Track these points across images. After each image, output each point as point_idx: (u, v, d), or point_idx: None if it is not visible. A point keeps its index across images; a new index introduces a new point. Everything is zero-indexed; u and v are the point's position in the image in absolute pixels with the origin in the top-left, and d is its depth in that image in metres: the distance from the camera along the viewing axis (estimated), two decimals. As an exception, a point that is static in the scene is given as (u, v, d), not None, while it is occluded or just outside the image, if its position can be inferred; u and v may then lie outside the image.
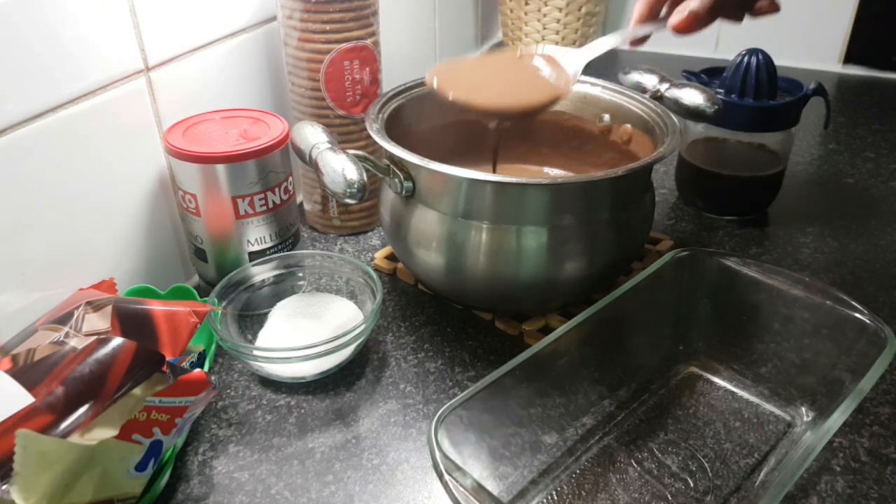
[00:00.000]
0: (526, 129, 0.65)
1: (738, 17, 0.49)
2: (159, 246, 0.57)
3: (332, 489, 0.43)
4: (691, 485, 0.42)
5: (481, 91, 0.52)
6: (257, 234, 0.56)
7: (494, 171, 0.59)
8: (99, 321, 0.40)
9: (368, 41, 0.60)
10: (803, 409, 0.47)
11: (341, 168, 0.45)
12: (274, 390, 0.50)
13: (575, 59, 0.52)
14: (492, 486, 0.40)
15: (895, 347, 0.41)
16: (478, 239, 0.50)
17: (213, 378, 0.51)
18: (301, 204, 0.70)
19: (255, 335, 0.53)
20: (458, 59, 0.53)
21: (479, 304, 0.57)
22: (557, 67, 0.53)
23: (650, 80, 0.58)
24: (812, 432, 0.44)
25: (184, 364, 0.49)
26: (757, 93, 0.63)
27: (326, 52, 0.58)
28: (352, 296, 0.55)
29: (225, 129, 0.55)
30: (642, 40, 0.50)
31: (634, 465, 0.44)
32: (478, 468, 0.40)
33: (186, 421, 0.40)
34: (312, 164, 0.47)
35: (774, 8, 0.49)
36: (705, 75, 0.67)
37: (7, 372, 0.37)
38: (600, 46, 0.51)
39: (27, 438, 0.33)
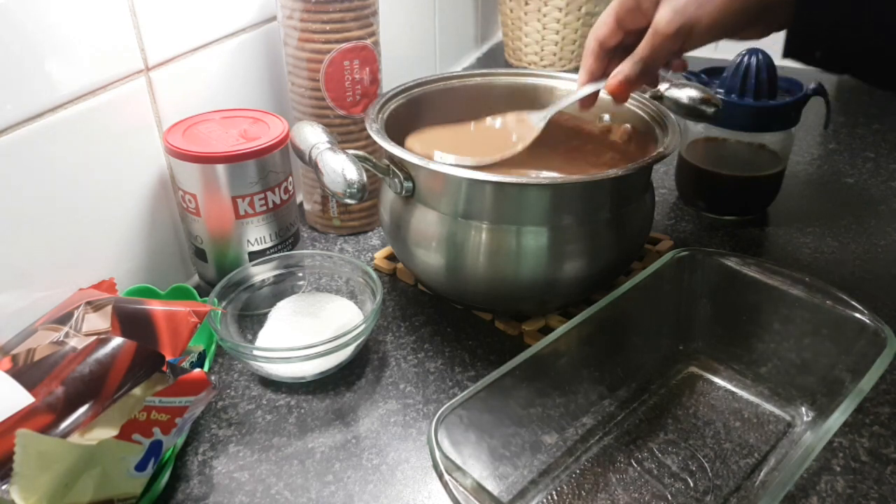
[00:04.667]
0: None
1: (655, 82, 0.53)
2: (159, 246, 0.57)
3: (332, 489, 0.43)
4: (691, 485, 0.42)
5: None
6: (257, 234, 0.56)
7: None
8: (99, 321, 0.40)
9: (368, 41, 0.60)
10: (803, 409, 0.47)
11: (341, 168, 0.45)
12: (274, 390, 0.50)
13: (538, 115, 0.56)
14: (492, 486, 0.40)
15: (895, 347, 0.41)
16: (478, 239, 0.50)
17: (213, 378, 0.51)
18: (301, 204, 0.70)
19: (255, 335, 0.53)
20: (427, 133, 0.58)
21: (479, 304, 0.57)
22: (524, 124, 0.57)
23: (650, 80, 0.58)
24: (812, 432, 0.44)
25: (184, 364, 0.49)
26: (757, 93, 0.63)
27: (326, 52, 0.58)
28: (352, 296, 0.55)
29: (225, 129, 0.55)
30: (592, 99, 0.54)
31: (634, 465, 0.44)
32: (478, 468, 0.40)
33: (186, 421, 0.40)
34: (312, 165, 0.47)
35: (685, 65, 0.53)
36: (705, 75, 0.67)
37: (7, 372, 0.37)
38: (557, 105, 0.55)
39: (27, 438, 0.33)
